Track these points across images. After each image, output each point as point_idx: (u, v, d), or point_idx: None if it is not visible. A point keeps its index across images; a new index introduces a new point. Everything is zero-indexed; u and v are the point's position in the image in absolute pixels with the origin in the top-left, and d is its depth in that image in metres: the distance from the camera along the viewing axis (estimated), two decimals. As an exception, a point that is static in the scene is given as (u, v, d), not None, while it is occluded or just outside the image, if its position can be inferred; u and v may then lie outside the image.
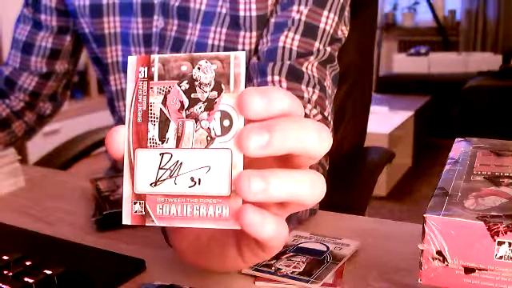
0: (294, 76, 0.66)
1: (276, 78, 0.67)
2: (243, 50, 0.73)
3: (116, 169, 0.94)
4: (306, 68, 0.67)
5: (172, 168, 0.32)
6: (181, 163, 0.31)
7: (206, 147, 0.31)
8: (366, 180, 1.03)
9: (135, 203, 0.32)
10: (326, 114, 0.66)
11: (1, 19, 2.71)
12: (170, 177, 0.32)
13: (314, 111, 0.65)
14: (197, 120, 0.32)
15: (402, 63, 4.27)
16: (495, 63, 3.79)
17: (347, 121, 1.02)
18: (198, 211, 0.31)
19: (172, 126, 0.32)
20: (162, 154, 0.32)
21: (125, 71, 0.82)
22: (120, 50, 0.81)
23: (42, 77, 0.90)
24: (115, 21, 0.80)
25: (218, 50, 0.74)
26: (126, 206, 0.32)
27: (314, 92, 0.66)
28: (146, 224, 0.32)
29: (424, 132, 3.48)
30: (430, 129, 3.61)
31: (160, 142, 0.32)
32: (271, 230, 0.31)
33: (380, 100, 3.39)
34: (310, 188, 0.32)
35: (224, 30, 0.72)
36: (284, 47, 0.68)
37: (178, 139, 0.32)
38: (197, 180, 0.31)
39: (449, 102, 3.47)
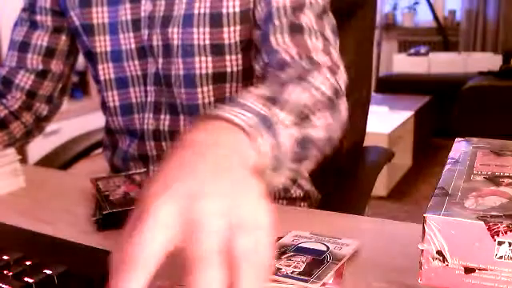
0: (295, 30, 0.69)
1: (279, 36, 0.70)
2: (229, 44, 0.77)
3: (115, 169, 0.94)
4: (305, 22, 0.70)
5: None
6: None
7: None
8: (365, 180, 1.03)
9: None
10: (334, 59, 0.68)
11: (0, 22, 2.70)
12: None
13: (322, 57, 0.67)
14: None
15: (402, 63, 4.26)
16: (495, 63, 3.78)
17: (347, 121, 1.02)
18: None
19: None
20: None
21: (113, 60, 0.85)
22: (108, 40, 0.84)
23: (38, 75, 0.91)
24: (103, 11, 0.83)
25: (204, 50, 0.77)
26: None
27: (317, 40, 0.69)
28: None
29: (424, 132, 3.47)
30: (430, 129, 3.61)
31: None
32: None
33: (380, 100, 3.39)
34: None
35: (207, 30, 0.77)
36: (278, 7, 0.71)
37: None
38: None
39: (449, 101, 3.47)
